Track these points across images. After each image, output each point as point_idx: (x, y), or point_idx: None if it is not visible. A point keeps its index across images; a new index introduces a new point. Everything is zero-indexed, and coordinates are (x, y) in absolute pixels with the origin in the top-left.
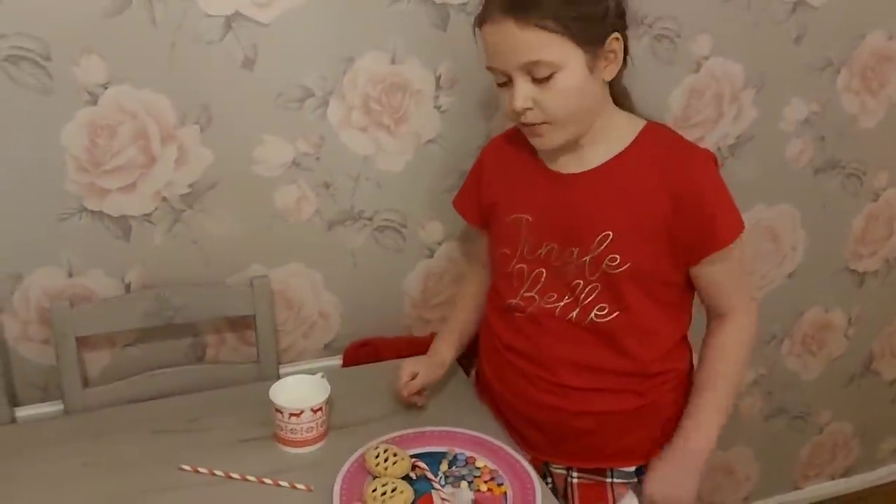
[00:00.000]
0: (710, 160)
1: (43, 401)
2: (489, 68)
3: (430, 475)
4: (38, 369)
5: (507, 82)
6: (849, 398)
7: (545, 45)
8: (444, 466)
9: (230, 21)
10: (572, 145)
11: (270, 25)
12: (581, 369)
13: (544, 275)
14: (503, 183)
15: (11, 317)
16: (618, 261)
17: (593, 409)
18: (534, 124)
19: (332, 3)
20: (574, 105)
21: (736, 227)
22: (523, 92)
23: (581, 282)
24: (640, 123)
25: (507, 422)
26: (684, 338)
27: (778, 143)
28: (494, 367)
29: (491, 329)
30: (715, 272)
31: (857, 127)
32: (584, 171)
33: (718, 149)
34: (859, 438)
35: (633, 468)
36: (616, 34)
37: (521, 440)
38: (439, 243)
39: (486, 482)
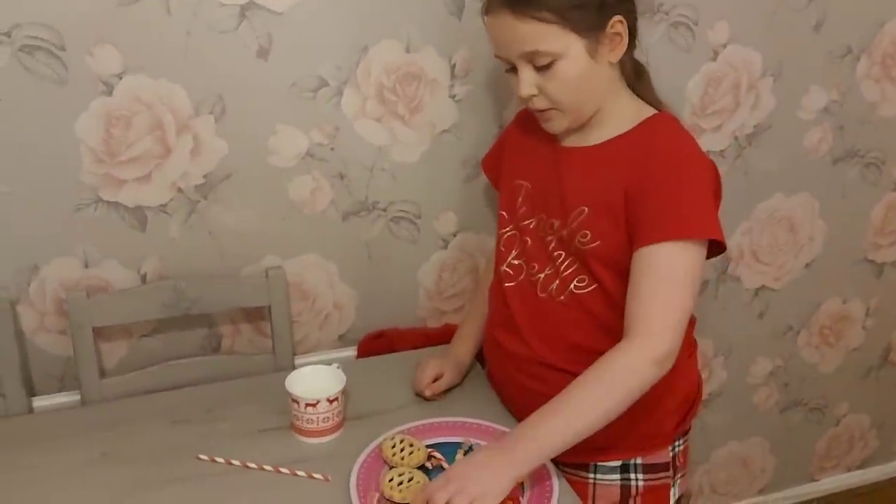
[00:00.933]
0: (694, 160)
1: (60, 391)
2: (496, 56)
3: (445, 465)
4: (56, 360)
5: (512, 69)
6: (866, 390)
7: (543, 36)
8: (459, 456)
9: (244, 10)
10: (581, 126)
11: (284, 14)
12: (557, 345)
13: (529, 243)
14: (518, 149)
15: (28, 308)
16: (588, 237)
17: None
18: (541, 110)
19: None
20: (578, 91)
21: (679, 232)
22: (527, 80)
23: (563, 253)
24: (648, 112)
25: (504, 402)
26: None
27: (796, 132)
28: (490, 355)
29: (490, 307)
30: (638, 270)
31: (876, 115)
32: (580, 147)
33: (735, 138)
34: (876, 430)
35: (617, 463)
36: (619, 17)
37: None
38: (454, 234)
39: None
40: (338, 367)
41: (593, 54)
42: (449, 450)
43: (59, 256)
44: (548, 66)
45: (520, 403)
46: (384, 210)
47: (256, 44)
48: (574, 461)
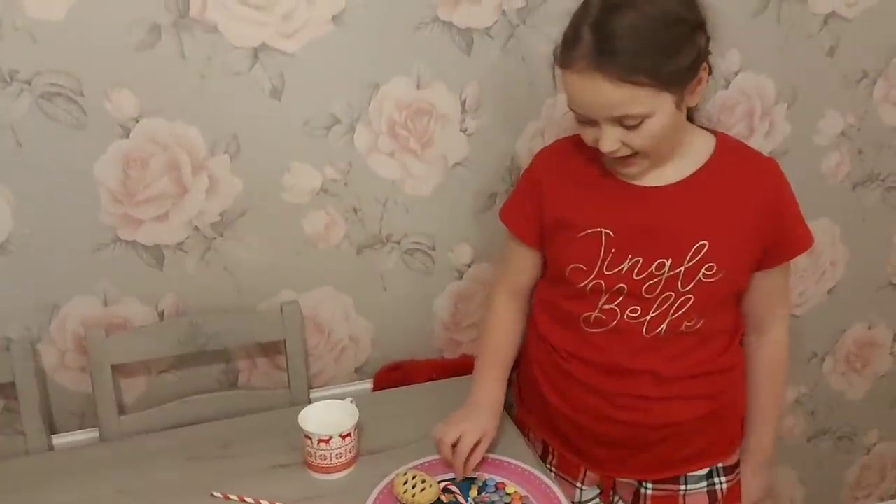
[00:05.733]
0: (780, 168)
1: (81, 428)
2: (571, 109)
3: (462, 500)
4: (76, 397)
5: (590, 122)
6: None
7: (637, 100)
8: (473, 492)
9: (257, 52)
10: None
11: (296, 55)
12: (662, 380)
13: (626, 289)
14: (570, 197)
15: (49, 346)
16: (714, 269)
17: (669, 419)
18: (622, 157)
19: (357, 30)
20: (662, 140)
21: (810, 234)
22: (612, 137)
23: (672, 294)
24: (711, 137)
25: (567, 439)
26: (738, 333)
27: (813, 157)
28: (555, 385)
29: (549, 346)
30: (778, 278)
31: None
32: (671, 184)
33: None
34: None
35: (705, 471)
36: (705, 63)
37: (584, 457)
38: (468, 265)
39: None
40: (351, 402)
41: (679, 105)
42: (463, 485)
43: (79, 295)
44: (636, 125)
45: (605, 435)
46: (398, 243)
47: (269, 84)
48: (667, 476)
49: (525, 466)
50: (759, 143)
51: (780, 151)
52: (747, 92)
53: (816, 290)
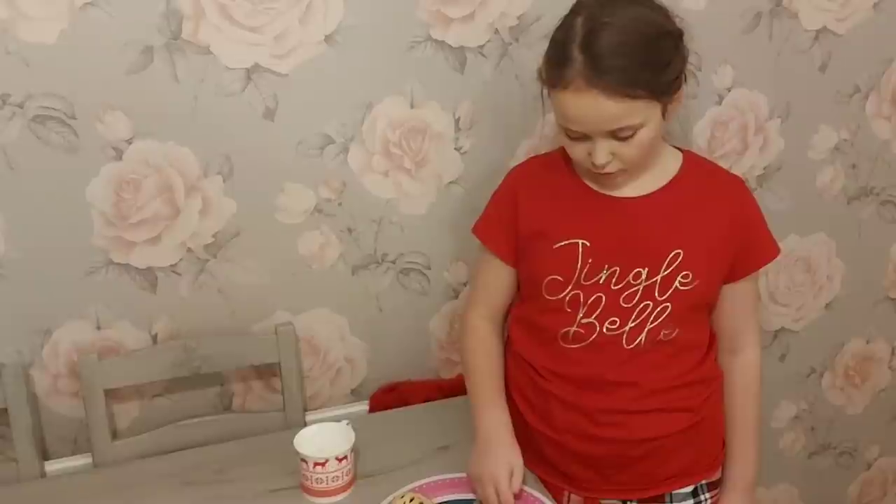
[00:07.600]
0: (745, 183)
1: (74, 453)
2: (564, 127)
3: None
4: (70, 422)
5: (580, 137)
6: None
7: (633, 112)
8: None
9: (250, 73)
10: None
11: (290, 75)
12: (643, 393)
13: (604, 300)
14: (546, 210)
15: (41, 370)
16: (690, 277)
17: (650, 433)
18: (610, 172)
19: (350, 50)
20: (650, 150)
21: (776, 245)
22: (605, 149)
23: (650, 303)
24: (678, 152)
25: (548, 461)
26: (712, 347)
27: (808, 172)
28: (534, 407)
29: (527, 364)
30: (746, 291)
31: (890, 153)
32: (646, 195)
33: (746, 180)
34: None
35: (690, 488)
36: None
37: (566, 479)
38: (464, 284)
39: None
40: (347, 424)
41: (664, 114)
42: None
43: (72, 319)
44: (629, 136)
45: (586, 454)
46: (393, 262)
47: (263, 105)
48: (652, 495)
49: (522, 486)
50: (754, 158)
51: (775, 167)
52: (741, 108)
53: (814, 304)
